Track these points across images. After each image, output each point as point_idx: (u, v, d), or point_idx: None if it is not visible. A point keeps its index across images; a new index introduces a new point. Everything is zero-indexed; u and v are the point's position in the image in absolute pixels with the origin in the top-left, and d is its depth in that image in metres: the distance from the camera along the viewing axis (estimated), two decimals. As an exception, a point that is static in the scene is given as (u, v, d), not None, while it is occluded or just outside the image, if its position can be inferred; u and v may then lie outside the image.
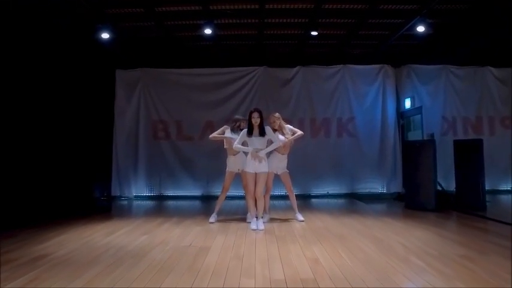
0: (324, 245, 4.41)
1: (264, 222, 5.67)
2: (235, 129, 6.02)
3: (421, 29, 6.64)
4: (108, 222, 6.04)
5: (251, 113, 5.52)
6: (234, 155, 6.00)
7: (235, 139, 5.73)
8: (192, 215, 6.81)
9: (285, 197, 8.72)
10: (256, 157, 5.44)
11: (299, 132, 6.15)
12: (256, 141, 5.47)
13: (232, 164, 6.04)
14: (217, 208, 6.15)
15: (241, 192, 6.27)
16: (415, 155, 7.06)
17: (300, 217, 6.07)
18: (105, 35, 7.05)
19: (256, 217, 5.58)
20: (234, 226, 5.69)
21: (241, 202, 7.13)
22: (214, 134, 6.13)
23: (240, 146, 5.55)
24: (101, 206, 8.69)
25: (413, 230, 5.24)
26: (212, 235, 5.03)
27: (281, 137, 5.92)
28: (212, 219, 6.02)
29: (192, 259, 3.88)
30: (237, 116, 6.33)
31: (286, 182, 6.11)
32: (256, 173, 5.49)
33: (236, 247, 4.40)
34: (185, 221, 6.13)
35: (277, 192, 8.44)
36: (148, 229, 5.47)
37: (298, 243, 4.55)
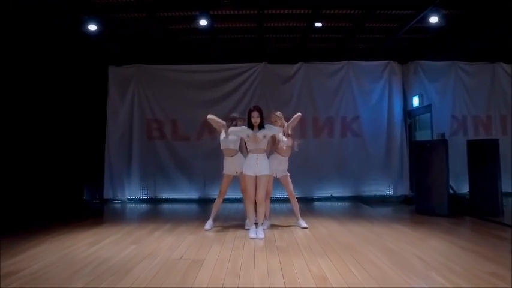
0: (331, 257, 3.94)
1: (264, 229, 5.20)
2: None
3: (434, 19, 6.16)
4: (95, 229, 5.57)
5: (250, 111, 5.06)
6: (231, 156, 5.54)
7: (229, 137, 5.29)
8: (186, 221, 6.35)
9: (286, 200, 8.32)
10: (255, 140, 4.98)
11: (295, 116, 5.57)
12: (258, 140, 5.00)
13: (229, 166, 5.57)
14: (213, 214, 5.68)
15: (240, 195, 5.77)
16: (425, 156, 6.60)
17: (303, 224, 5.60)
18: (92, 27, 6.56)
19: (256, 224, 5.11)
20: (231, 234, 5.22)
21: (240, 206, 6.64)
22: (214, 117, 5.57)
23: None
24: (91, 210, 8.19)
25: (428, 239, 4.77)
26: (207, 245, 4.56)
27: (284, 138, 5.47)
28: (208, 226, 5.56)
29: (182, 275, 3.41)
30: (233, 114, 5.85)
31: (287, 186, 5.65)
32: (256, 176, 5.02)
33: (233, 260, 3.93)
34: (179, 228, 5.67)
35: (277, 195, 7.99)
36: (138, 238, 5.00)
37: (302, 255, 4.08)
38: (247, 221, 5.38)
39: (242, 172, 5.44)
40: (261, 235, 4.91)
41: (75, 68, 8.24)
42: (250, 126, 5.03)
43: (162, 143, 9.03)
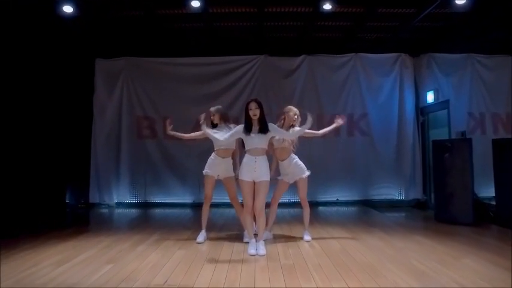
0: (349, 281, 3.21)
1: (265, 240, 4.46)
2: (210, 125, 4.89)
3: (460, 0, 5.43)
4: (69, 242, 4.82)
5: (248, 104, 4.30)
6: (223, 157, 4.81)
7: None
8: (177, 230, 5.65)
9: (288, 205, 7.67)
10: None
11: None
12: (257, 139, 4.25)
13: (214, 167, 4.83)
14: (204, 223, 4.94)
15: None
16: (446, 157, 5.87)
17: (307, 237, 4.86)
18: (67, 8, 5.81)
19: (256, 236, 4.37)
20: (227, 249, 4.48)
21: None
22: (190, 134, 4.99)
23: (208, 131, 4.45)
24: (73, 216, 7.48)
25: (461, 256, 4.04)
26: (197, 264, 3.82)
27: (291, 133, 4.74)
28: (200, 238, 4.82)
29: (163, 311, 2.67)
30: (212, 108, 5.06)
31: (303, 190, 4.89)
32: (254, 182, 4.28)
33: (229, 284, 3.20)
34: (167, 240, 4.93)
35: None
36: (117, 254, 4.25)
37: (312, 278, 3.34)
38: (246, 231, 4.65)
39: (226, 177, 4.79)
40: (262, 251, 4.17)
41: (58, 61, 7.63)
42: (249, 121, 4.28)
43: (153, 142, 8.39)
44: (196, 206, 8.10)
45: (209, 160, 4.90)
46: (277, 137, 4.62)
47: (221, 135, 4.55)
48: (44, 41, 7.02)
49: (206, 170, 4.87)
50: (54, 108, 7.68)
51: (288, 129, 4.74)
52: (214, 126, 4.92)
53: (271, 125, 4.34)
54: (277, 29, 7.30)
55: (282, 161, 4.82)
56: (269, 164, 4.40)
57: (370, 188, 8.33)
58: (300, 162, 4.85)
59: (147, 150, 8.33)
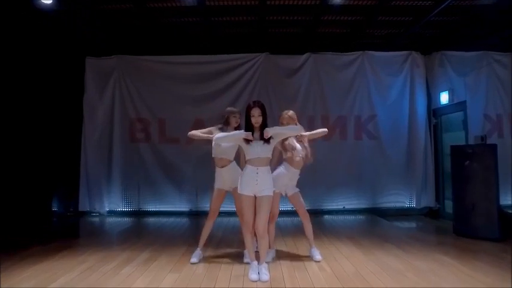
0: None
1: (267, 262, 3.94)
2: (225, 128, 4.33)
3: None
4: (49, 262, 4.29)
5: (250, 108, 3.77)
6: (221, 166, 4.29)
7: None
8: (171, 245, 5.13)
9: (291, 213, 7.13)
10: (249, 137, 3.71)
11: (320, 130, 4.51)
12: (258, 148, 3.72)
13: (221, 179, 4.31)
14: (202, 242, 4.41)
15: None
16: (467, 164, 5.33)
17: (317, 256, 4.32)
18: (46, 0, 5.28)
19: (258, 260, 3.83)
20: (225, 271, 3.95)
21: (238, 222, 5.26)
22: (197, 133, 4.35)
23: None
24: (59, 226, 6.95)
25: (493, 281, 3.50)
26: (191, 293, 3.29)
27: (297, 145, 4.23)
28: (195, 258, 4.28)
29: None
30: (228, 108, 4.54)
31: (299, 206, 4.39)
32: (256, 197, 3.75)
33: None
34: (158, 259, 4.42)
35: (283, 207, 6.76)
36: (99, 279, 3.72)
37: (325, 314, 2.81)
38: (246, 251, 4.12)
39: (234, 188, 4.24)
40: (265, 276, 3.63)
41: (45, 60, 7.16)
42: (249, 128, 3.75)
43: (148, 146, 7.86)
44: (194, 215, 7.66)
45: (215, 173, 4.40)
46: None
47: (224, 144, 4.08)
48: (28, 38, 6.53)
49: (215, 183, 4.38)
50: (41, 110, 7.22)
51: None
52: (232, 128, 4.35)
53: (271, 129, 3.77)
54: (279, 24, 6.76)
55: (295, 169, 4.31)
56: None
57: (379, 195, 7.80)
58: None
59: (140, 154, 7.81)
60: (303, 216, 4.39)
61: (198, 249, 4.36)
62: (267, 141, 3.72)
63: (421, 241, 5.26)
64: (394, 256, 4.46)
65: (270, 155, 3.79)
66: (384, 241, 5.26)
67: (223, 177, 4.28)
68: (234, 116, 4.34)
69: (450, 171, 7.43)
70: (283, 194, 4.31)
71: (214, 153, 4.28)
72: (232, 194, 4.35)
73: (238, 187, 3.80)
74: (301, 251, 4.70)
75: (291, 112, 4.35)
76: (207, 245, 4.66)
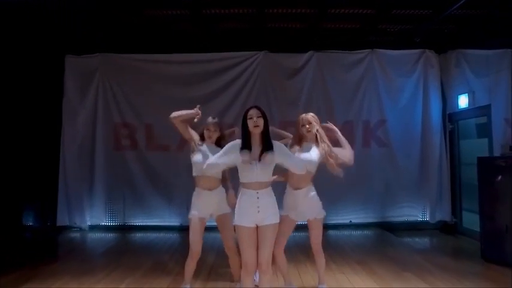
0: None
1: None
2: (207, 142, 3.65)
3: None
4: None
5: (247, 111, 3.02)
6: (209, 189, 3.55)
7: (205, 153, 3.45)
8: (156, 274, 4.45)
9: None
10: (248, 161, 2.94)
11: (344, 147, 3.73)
12: (260, 168, 2.95)
13: (202, 205, 3.55)
14: (187, 277, 3.64)
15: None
16: (498, 180, 4.62)
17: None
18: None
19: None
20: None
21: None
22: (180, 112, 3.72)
23: (210, 160, 3.11)
24: (31, 245, 6.22)
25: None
26: None
27: (313, 154, 3.49)
28: (181, 298, 3.54)
29: None
30: (209, 119, 3.75)
31: (317, 234, 3.62)
32: (257, 227, 3.01)
33: None
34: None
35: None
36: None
37: None
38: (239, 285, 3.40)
39: (219, 215, 3.56)
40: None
41: (20, 58, 6.55)
42: (246, 138, 3.01)
43: (134, 154, 7.22)
44: (185, 230, 6.90)
45: (193, 196, 3.62)
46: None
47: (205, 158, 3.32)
48: (5, 35, 5.85)
49: (192, 212, 3.56)
50: (14, 115, 6.59)
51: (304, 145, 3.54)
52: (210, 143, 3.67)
53: (277, 145, 3.06)
54: (280, 18, 6.05)
55: (296, 189, 3.54)
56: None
57: (389, 208, 7.15)
58: (318, 197, 3.59)
59: (126, 163, 7.14)
60: (316, 247, 3.64)
61: (186, 285, 3.61)
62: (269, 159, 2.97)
63: (445, 269, 4.53)
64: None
65: (270, 178, 3.04)
66: (402, 269, 4.55)
67: (207, 202, 3.53)
68: (207, 129, 3.64)
69: (468, 182, 6.88)
70: (298, 220, 3.56)
71: (197, 171, 3.53)
72: (217, 224, 3.62)
73: (236, 217, 3.05)
74: (306, 282, 3.98)
75: (310, 114, 3.62)
76: (196, 275, 3.96)
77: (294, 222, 3.59)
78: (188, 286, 3.61)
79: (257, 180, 2.95)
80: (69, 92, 7.15)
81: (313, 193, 3.58)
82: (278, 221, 3.04)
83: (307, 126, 3.54)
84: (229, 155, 3.00)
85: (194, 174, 3.63)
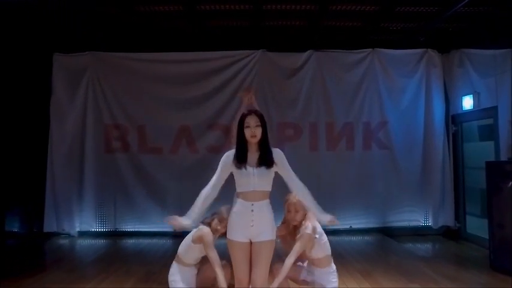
0: None
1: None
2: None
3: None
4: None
5: (244, 117, 2.77)
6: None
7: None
8: (149, 281, 4.31)
9: None
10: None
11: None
12: (257, 176, 2.71)
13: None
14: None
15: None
16: (509, 186, 4.40)
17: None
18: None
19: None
20: None
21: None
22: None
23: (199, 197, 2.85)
24: (12, 254, 5.92)
25: None
26: None
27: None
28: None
29: None
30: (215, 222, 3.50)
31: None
32: (251, 243, 2.75)
33: None
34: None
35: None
36: None
37: None
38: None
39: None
40: None
41: (5, 56, 6.23)
42: (242, 145, 2.75)
43: (125, 156, 6.99)
44: (179, 237, 6.68)
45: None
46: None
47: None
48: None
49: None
50: (0, 114, 6.31)
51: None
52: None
53: (276, 152, 2.80)
54: (279, 15, 5.81)
55: (318, 267, 3.32)
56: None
57: (391, 212, 6.95)
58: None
59: (117, 166, 6.92)
60: None
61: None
62: (268, 165, 2.72)
63: (453, 280, 4.30)
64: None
65: (269, 188, 2.78)
66: (408, 281, 4.31)
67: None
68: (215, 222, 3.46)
69: (472, 186, 6.69)
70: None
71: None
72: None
73: (228, 232, 2.80)
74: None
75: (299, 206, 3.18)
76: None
77: None
78: None
79: (254, 189, 2.70)
80: (58, 91, 6.91)
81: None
82: (274, 237, 2.80)
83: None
84: (223, 169, 2.79)
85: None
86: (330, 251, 3.35)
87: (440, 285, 4.16)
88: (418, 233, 6.84)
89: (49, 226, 6.73)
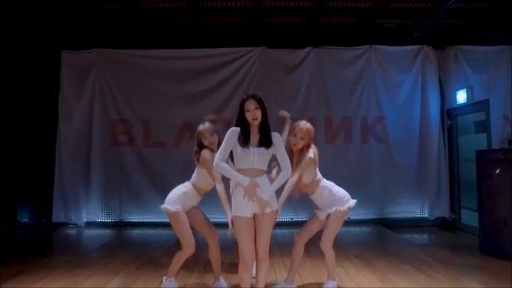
0: None
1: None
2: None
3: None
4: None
5: (244, 102, 2.96)
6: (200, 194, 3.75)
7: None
8: (149, 269, 4.38)
9: (289, 225, 6.46)
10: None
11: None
12: (256, 155, 2.92)
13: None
14: (174, 269, 3.64)
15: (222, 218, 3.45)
16: (497, 173, 4.58)
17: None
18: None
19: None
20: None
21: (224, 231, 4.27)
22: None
23: (225, 166, 2.95)
24: (24, 242, 6.14)
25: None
26: None
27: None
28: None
29: None
30: (200, 126, 3.60)
31: (332, 228, 3.56)
32: (255, 216, 2.95)
33: None
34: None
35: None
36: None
37: None
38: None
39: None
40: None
41: (16, 53, 6.38)
42: (244, 126, 2.95)
43: (130, 150, 7.13)
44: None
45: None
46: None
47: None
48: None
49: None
50: (10, 110, 6.42)
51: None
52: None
53: (275, 136, 3.00)
54: (278, 12, 5.98)
55: (311, 194, 3.64)
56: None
57: (388, 204, 7.08)
58: (338, 190, 3.63)
59: (122, 159, 7.06)
60: (326, 242, 3.56)
61: (172, 278, 3.55)
62: (267, 145, 2.92)
63: (444, 263, 4.49)
64: (417, 284, 3.69)
65: (265, 167, 2.99)
66: (401, 262, 4.51)
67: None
68: (204, 137, 3.52)
69: (466, 178, 6.82)
70: (323, 219, 3.61)
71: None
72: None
73: (233, 209, 2.99)
74: (307, 279, 3.92)
75: (303, 123, 3.56)
76: (191, 269, 3.91)
77: (320, 222, 3.64)
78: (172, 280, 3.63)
79: (252, 167, 2.90)
80: (66, 87, 7.05)
81: (329, 189, 3.64)
82: (276, 207, 2.99)
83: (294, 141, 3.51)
84: (229, 143, 2.93)
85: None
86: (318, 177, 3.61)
87: (431, 266, 4.34)
88: (414, 224, 6.95)
89: (57, 217, 6.89)
